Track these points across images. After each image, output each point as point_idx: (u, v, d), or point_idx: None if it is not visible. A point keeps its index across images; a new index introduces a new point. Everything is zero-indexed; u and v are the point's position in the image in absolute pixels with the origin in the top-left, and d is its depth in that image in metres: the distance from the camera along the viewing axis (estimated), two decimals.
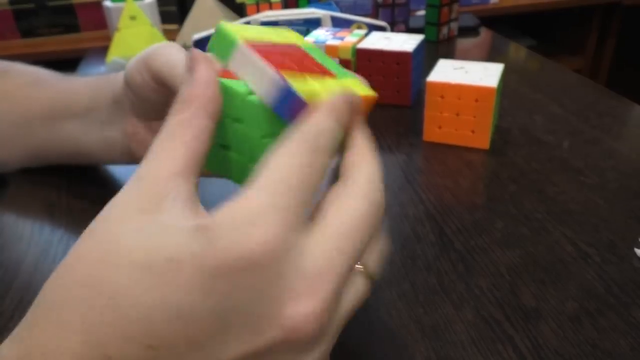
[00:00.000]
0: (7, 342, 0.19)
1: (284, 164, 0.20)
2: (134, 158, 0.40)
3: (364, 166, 0.25)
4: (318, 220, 0.21)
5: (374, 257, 0.23)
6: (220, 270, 0.18)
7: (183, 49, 0.32)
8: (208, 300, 0.18)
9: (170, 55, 0.32)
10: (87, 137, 0.42)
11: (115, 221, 0.19)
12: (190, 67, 0.23)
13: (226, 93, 0.23)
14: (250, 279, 0.18)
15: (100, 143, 0.42)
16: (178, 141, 0.21)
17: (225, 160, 0.25)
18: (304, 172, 0.20)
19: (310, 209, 0.21)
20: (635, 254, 0.37)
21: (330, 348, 0.21)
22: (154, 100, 0.35)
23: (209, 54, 0.24)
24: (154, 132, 0.37)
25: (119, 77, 0.38)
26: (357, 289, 0.22)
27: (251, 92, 0.23)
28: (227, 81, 0.24)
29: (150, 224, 0.19)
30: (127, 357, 0.18)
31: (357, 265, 0.22)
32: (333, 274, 0.19)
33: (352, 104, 0.24)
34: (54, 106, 0.43)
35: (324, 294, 0.19)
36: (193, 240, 0.18)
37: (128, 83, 0.36)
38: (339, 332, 0.21)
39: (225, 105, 0.23)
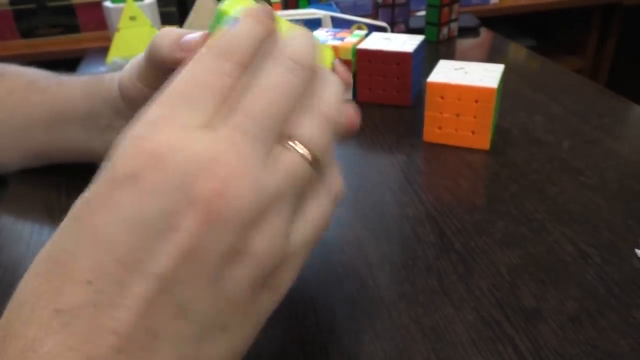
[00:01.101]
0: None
1: (187, 69, 0.21)
2: None
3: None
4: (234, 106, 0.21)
5: (309, 127, 0.22)
6: (122, 183, 0.18)
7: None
8: (120, 216, 0.18)
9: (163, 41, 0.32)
10: (90, 140, 0.42)
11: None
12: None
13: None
14: (151, 182, 0.18)
15: (103, 145, 0.42)
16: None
17: None
18: (208, 75, 0.20)
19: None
20: (635, 254, 0.37)
21: (286, 237, 0.21)
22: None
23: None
24: None
25: (114, 79, 0.38)
26: (283, 164, 0.21)
27: None
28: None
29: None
30: (73, 302, 0.18)
31: (289, 142, 0.21)
32: (230, 151, 0.19)
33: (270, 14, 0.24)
34: (51, 110, 0.43)
35: (224, 171, 0.19)
36: (103, 172, 0.19)
37: (122, 89, 0.36)
38: (284, 217, 0.21)
39: None
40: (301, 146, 0.21)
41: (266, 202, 0.20)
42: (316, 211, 0.22)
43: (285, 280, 0.22)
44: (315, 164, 0.22)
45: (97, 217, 0.18)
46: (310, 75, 0.22)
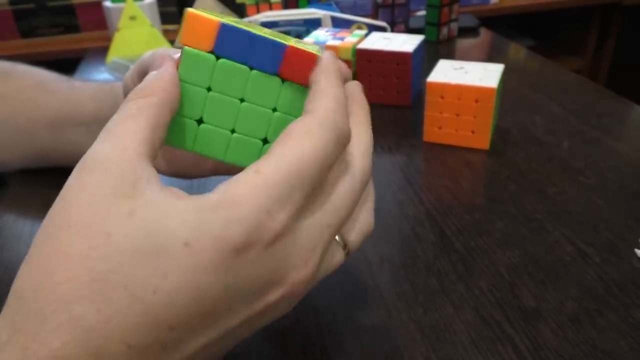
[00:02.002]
0: None
1: (305, 149, 0.21)
2: None
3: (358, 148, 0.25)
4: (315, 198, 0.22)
5: (355, 230, 0.25)
6: (238, 252, 0.19)
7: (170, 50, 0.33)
8: (225, 279, 0.19)
9: (150, 52, 0.33)
10: (90, 145, 0.42)
11: (92, 210, 0.19)
12: (158, 64, 0.23)
13: (225, 72, 0.23)
14: (262, 259, 0.20)
15: None
16: (143, 123, 0.21)
17: (216, 140, 0.25)
18: (320, 160, 0.21)
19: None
20: (635, 254, 0.37)
21: None
22: None
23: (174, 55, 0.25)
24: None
25: (120, 87, 0.39)
26: (334, 257, 0.24)
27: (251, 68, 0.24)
28: (227, 61, 0.24)
29: (137, 207, 0.19)
30: (148, 342, 0.18)
31: (340, 241, 0.25)
32: (321, 245, 0.22)
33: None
34: (58, 114, 0.43)
35: (316, 258, 0.22)
36: (210, 223, 0.19)
37: (126, 92, 0.36)
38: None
39: (224, 85, 0.24)
40: (347, 249, 0.25)
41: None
42: (332, 266, 0.25)
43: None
44: (349, 255, 0.25)
45: (201, 271, 0.19)
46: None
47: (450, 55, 0.79)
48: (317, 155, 0.21)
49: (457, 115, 0.50)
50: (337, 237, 0.24)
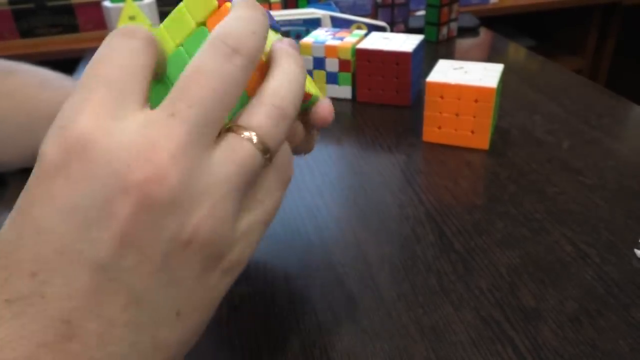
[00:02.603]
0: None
1: (105, 48, 0.21)
2: None
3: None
4: None
5: (260, 115, 0.22)
6: (52, 174, 0.19)
7: None
8: (55, 207, 0.18)
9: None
10: None
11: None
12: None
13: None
14: (81, 171, 0.18)
15: None
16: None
17: None
18: (122, 56, 0.20)
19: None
20: (635, 254, 0.37)
21: (231, 218, 0.21)
22: None
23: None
24: None
25: None
26: (229, 151, 0.21)
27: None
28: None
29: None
30: (18, 291, 0.18)
31: (234, 127, 0.22)
32: (165, 138, 0.19)
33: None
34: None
35: (158, 157, 0.19)
36: (37, 161, 0.20)
37: None
38: (229, 199, 0.21)
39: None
40: (253, 135, 0.22)
41: (205, 185, 0.20)
42: (265, 196, 0.23)
43: (237, 263, 0.22)
44: (266, 152, 0.22)
45: (35, 208, 0.19)
46: (248, 63, 0.22)
47: (450, 55, 0.79)
48: (117, 52, 0.21)
49: (457, 115, 0.50)
50: (246, 132, 0.21)
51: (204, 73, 0.20)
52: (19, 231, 0.19)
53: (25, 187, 0.20)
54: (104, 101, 0.19)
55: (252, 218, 0.22)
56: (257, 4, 0.23)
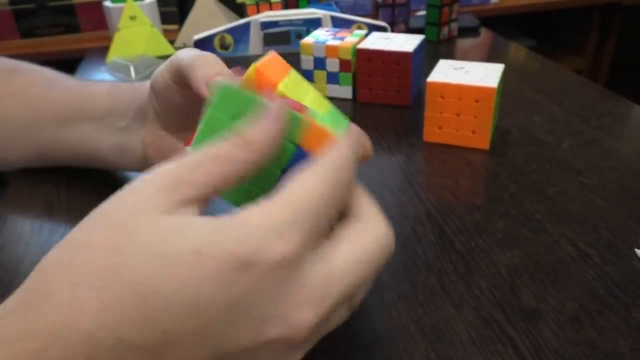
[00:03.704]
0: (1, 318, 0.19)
1: (311, 186, 0.22)
2: (147, 166, 0.40)
3: (372, 208, 0.26)
4: (331, 245, 0.23)
5: (362, 293, 0.25)
6: (245, 268, 0.19)
7: (202, 51, 0.34)
8: (227, 294, 0.19)
9: (189, 51, 0.33)
10: (100, 141, 0.42)
11: (132, 212, 0.20)
12: (267, 115, 0.24)
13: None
14: (266, 282, 0.20)
15: (113, 148, 0.42)
16: (219, 168, 0.22)
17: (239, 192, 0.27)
18: (326, 198, 0.22)
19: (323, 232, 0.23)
20: (635, 254, 0.37)
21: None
22: (177, 105, 0.36)
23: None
24: (172, 143, 0.39)
25: (145, 85, 0.39)
26: (341, 314, 0.24)
27: None
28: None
29: (168, 220, 0.20)
30: (139, 341, 0.18)
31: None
32: (335, 294, 0.21)
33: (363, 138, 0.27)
34: (68, 108, 0.43)
35: (324, 307, 0.21)
36: (222, 237, 0.20)
37: (153, 87, 0.37)
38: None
39: None
40: (352, 304, 0.24)
41: (315, 341, 0.24)
42: (337, 322, 0.25)
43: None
44: (350, 316, 0.25)
45: (205, 281, 0.19)
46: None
47: (451, 55, 0.79)
48: (322, 191, 0.22)
49: (457, 115, 0.50)
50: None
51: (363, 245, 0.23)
52: (171, 284, 0.19)
53: (187, 233, 0.20)
54: (307, 234, 0.21)
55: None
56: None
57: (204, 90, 0.31)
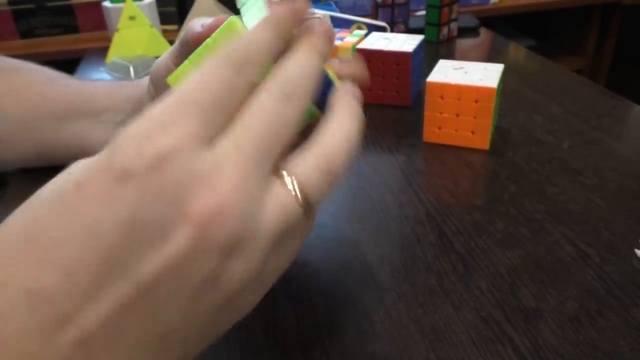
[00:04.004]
0: None
1: (202, 76, 0.20)
2: None
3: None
4: (230, 127, 0.21)
5: (309, 168, 0.21)
6: (125, 177, 0.18)
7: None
8: (114, 211, 0.18)
9: (200, 20, 0.33)
10: (97, 137, 0.42)
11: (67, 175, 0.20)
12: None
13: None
14: (155, 184, 0.18)
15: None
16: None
17: None
18: (221, 87, 0.20)
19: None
20: (635, 254, 0.37)
21: (261, 268, 0.21)
22: None
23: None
24: None
25: (144, 80, 0.39)
26: (278, 200, 0.21)
27: None
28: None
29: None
30: (47, 287, 0.17)
31: (283, 173, 0.21)
32: (231, 169, 0.19)
33: (296, 13, 0.23)
34: (68, 106, 0.44)
35: (223, 188, 0.18)
36: (97, 160, 0.19)
37: (154, 78, 0.36)
38: (266, 251, 0.20)
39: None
40: (297, 187, 0.21)
41: (253, 233, 0.20)
42: (291, 247, 0.23)
43: (248, 305, 0.22)
44: (306, 208, 0.21)
45: (88, 206, 0.18)
46: (301, 107, 0.22)
47: (450, 55, 0.79)
48: (210, 79, 0.20)
49: (457, 115, 0.50)
50: (285, 174, 0.21)
51: (265, 110, 0.21)
52: (61, 223, 0.18)
53: (75, 176, 0.19)
54: (188, 126, 0.19)
55: (273, 267, 0.22)
56: (322, 46, 0.23)
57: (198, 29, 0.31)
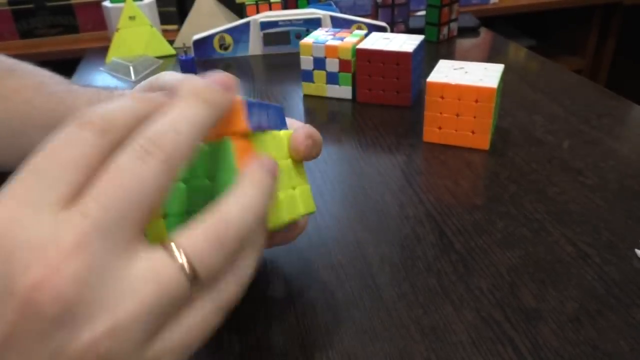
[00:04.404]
0: None
1: (57, 140, 0.19)
2: None
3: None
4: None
5: (199, 239, 0.20)
6: None
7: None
8: None
9: (172, 74, 0.31)
10: None
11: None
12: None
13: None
14: None
15: None
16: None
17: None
18: (76, 150, 0.19)
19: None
20: (635, 254, 0.37)
21: (142, 339, 0.19)
22: None
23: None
24: None
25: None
26: (151, 269, 0.19)
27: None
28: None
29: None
30: None
31: (171, 244, 0.20)
32: (70, 233, 0.18)
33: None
34: (52, 115, 0.43)
35: (55, 255, 0.17)
36: None
37: None
38: (140, 320, 0.18)
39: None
40: (184, 258, 0.19)
41: (111, 299, 0.18)
42: (191, 321, 0.20)
43: None
44: (195, 280, 0.20)
45: None
46: (166, 166, 0.20)
47: (450, 55, 0.79)
48: (65, 142, 0.19)
49: (457, 115, 0.50)
50: (175, 247, 0.20)
51: (119, 171, 0.19)
52: None
53: None
54: (26, 194, 0.18)
55: (168, 344, 0.20)
56: (207, 93, 0.22)
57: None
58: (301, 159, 0.30)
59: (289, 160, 0.30)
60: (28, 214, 0.18)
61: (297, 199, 0.29)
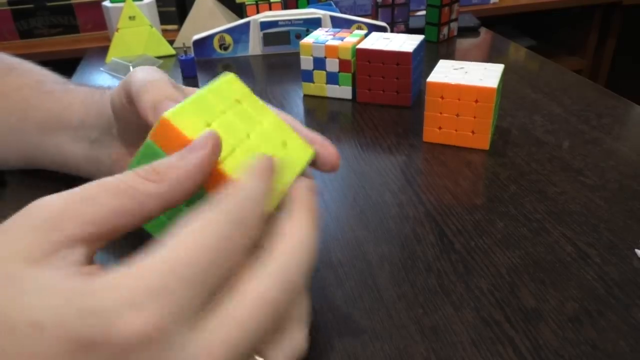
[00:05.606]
0: None
1: (195, 238, 0.18)
2: None
3: (290, 233, 0.22)
4: (216, 305, 0.19)
5: (284, 352, 0.21)
6: (90, 349, 0.16)
7: (159, 71, 0.31)
8: None
9: (142, 73, 0.30)
10: (75, 152, 0.41)
11: None
12: (191, 148, 0.21)
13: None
14: None
15: (87, 160, 0.41)
16: (116, 201, 0.19)
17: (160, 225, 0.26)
18: (217, 248, 0.19)
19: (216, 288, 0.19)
20: (635, 254, 0.37)
21: None
22: (135, 125, 0.33)
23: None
24: None
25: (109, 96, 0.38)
26: None
27: None
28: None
29: (26, 274, 0.17)
30: None
31: (257, 358, 0.20)
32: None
33: (274, 166, 0.23)
34: (49, 114, 0.43)
35: None
36: (70, 307, 0.17)
37: (112, 106, 0.35)
38: None
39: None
40: None
41: None
42: None
43: None
44: None
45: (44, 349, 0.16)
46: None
47: (450, 55, 0.79)
48: (209, 245, 0.18)
49: (457, 115, 0.50)
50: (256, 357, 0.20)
51: (262, 300, 0.19)
52: None
53: (36, 302, 0.17)
54: (177, 303, 0.18)
55: None
56: (314, 212, 0.23)
57: (149, 116, 0.28)
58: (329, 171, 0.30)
59: (270, 119, 0.28)
60: (178, 328, 0.17)
61: (292, 155, 0.27)
